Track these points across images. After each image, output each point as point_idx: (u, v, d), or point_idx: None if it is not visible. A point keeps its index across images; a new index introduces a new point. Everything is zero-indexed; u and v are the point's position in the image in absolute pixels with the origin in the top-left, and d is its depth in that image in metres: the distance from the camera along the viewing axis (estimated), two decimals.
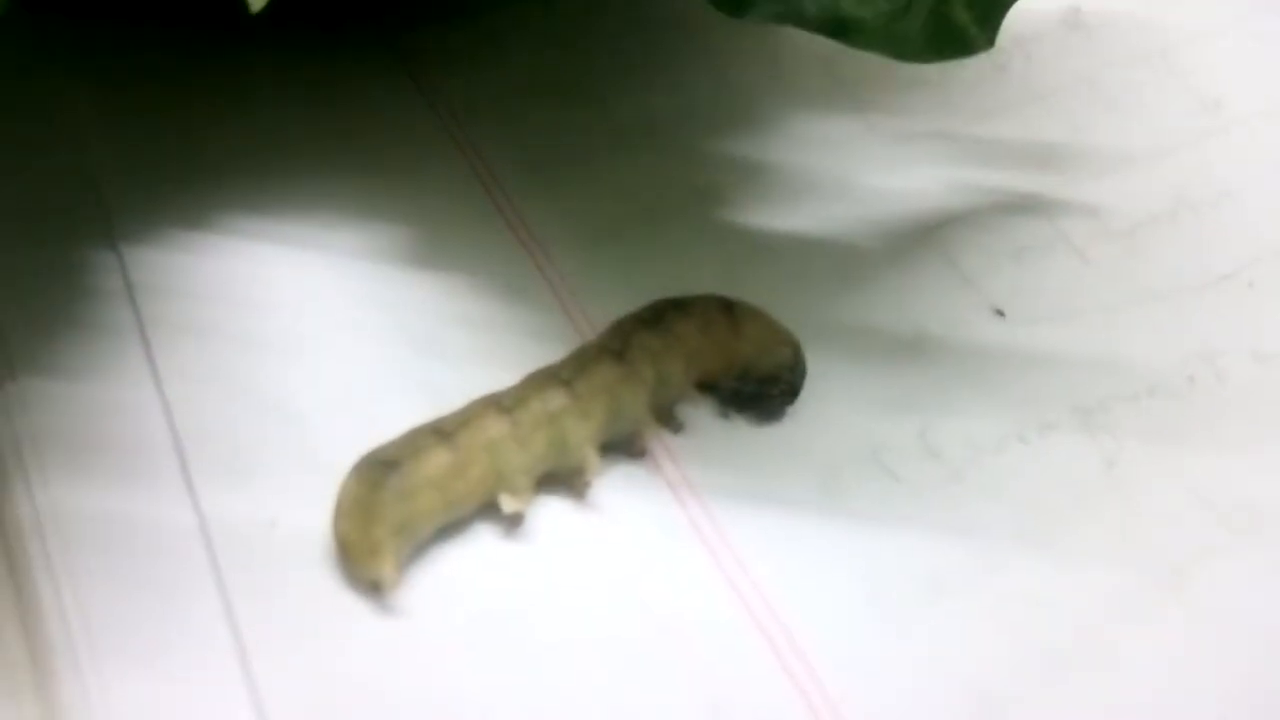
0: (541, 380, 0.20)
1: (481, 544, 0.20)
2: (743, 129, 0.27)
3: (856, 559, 0.20)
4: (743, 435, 0.22)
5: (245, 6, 0.22)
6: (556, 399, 0.20)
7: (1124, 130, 0.28)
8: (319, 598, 0.19)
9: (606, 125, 0.27)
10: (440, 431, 0.19)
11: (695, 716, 0.19)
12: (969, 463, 0.22)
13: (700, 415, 0.22)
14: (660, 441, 0.21)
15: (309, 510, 0.19)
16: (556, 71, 0.28)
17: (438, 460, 0.19)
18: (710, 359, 0.22)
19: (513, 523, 0.20)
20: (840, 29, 0.23)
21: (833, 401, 0.22)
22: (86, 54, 0.27)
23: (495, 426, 0.19)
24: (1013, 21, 0.29)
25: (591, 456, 0.20)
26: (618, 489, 0.21)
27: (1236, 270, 0.25)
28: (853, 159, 0.27)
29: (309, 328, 0.22)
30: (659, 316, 0.21)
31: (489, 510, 0.20)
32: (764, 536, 0.21)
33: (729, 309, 0.22)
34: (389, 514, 0.19)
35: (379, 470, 0.19)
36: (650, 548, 0.20)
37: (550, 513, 0.20)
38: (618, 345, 0.21)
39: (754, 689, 0.19)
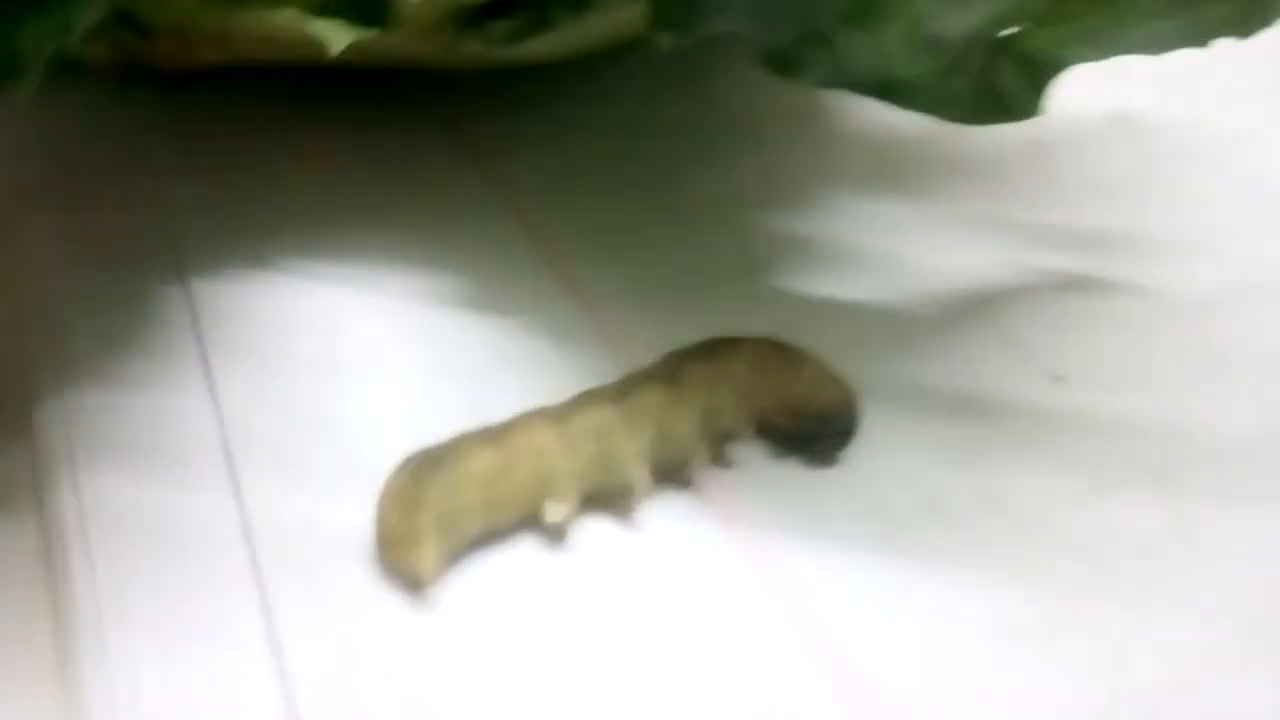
0: (591, 396, 0.20)
1: (524, 555, 0.19)
2: (793, 210, 0.28)
3: (923, 601, 0.19)
4: (797, 477, 0.21)
5: (325, 48, 0.23)
6: (605, 413, 0.20)
7: (1178, 220, 0.28)
8: (356, 595, 0.18)
9: (660, 206, 0.27)
10: (488, 435, 0.19)
11: None
12: (1034, 518, 0.21)
13: (753, 456, 0.21)
14: (711, 476, 0.21)
15: (352, 513, 0.19)
16: (612, 157, 0.29)
17: (484, 459, 0.19)
18: (762, 396, 0.21)
19: (556, 535, 0.19)
20: (889, 90, 0.23)
21: (888, 452, 0.22)
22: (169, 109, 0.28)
23: (543, 433, 0.19)
24: (1059, 119, 0.30)
25: (639, 473, 0.20)
26: (665, 515, 0.20)
27: None
28: (902, 238, 0.27)
29: (362, 356, 0.22)
30: (711, 350, 0.21)
31: (532, 525, 0.19)
32: (822, 572, 0.20)
33: (782, 349, 0.22)
34: (432, 505, 0.18)
35: (424, 464, 0.18)
36: (697, 573, 0.19)
37: (595, 532, 0.20)
38: (667, 372, 0.20)
39: (807, 715, 0.18)
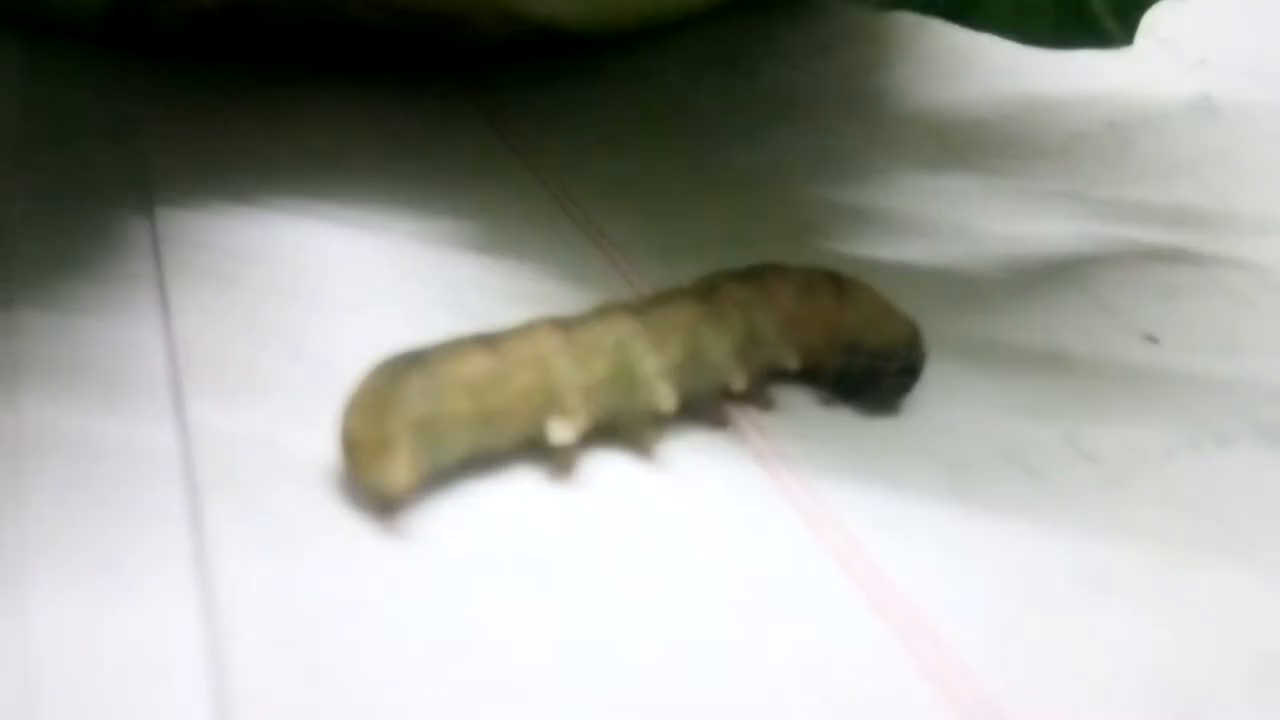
0: (610, 307, 0.17)
1: (522, 485, 0.16)
2: (845, 182, 0.25)
3: (999, 551, 0.16)
4: (851, 424, 0.18)
5: None
6: (625, 324, 0.16)
7: (1264, 199, 0.25)
8: (304, 522, 0.15)
9: (697, 174, 0.25)
10: (484, 339, 0.16)
11: (801, 691, 0.14)
12: (1133, 468, 0.18)
13: (800, 401, 0.18)
14: (750, 417, 0.18)
15: (311, 437, 0.16)
16: (647, 131, 0.26)
17: (476, 363, 0.15)
18: (811, 329, 0.18)
19: (562, 462, 0.16)
20: (965, 5, 0.21)
21: (957, 403, 0.19)
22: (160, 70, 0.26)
23: (549, 339, 0.16)
24: (1137, 101, 0.27)
25: (664, 396, 0.16)
26: (694, 452, 0.17)
27: None
28: (969, 209, 0.24)
29: (349, 290, 0.20)
30: (754, 273, 0.18)
31: (533, 451, 0.16)
32: (879, 519, 0.16)
33: (837, 278, 0.18)
34: (409, 409, 0.15)
35: (404, 364, 0.15)
36: (734, 521, 0.16)
37: (609, 466, 0.16)
38: (703, 289, 0.17)
39: (873, 668, 0.14)
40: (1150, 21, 0.22)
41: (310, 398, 0.16)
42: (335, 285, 0.19)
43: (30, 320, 0.18)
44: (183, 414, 0.16)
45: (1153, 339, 0.21)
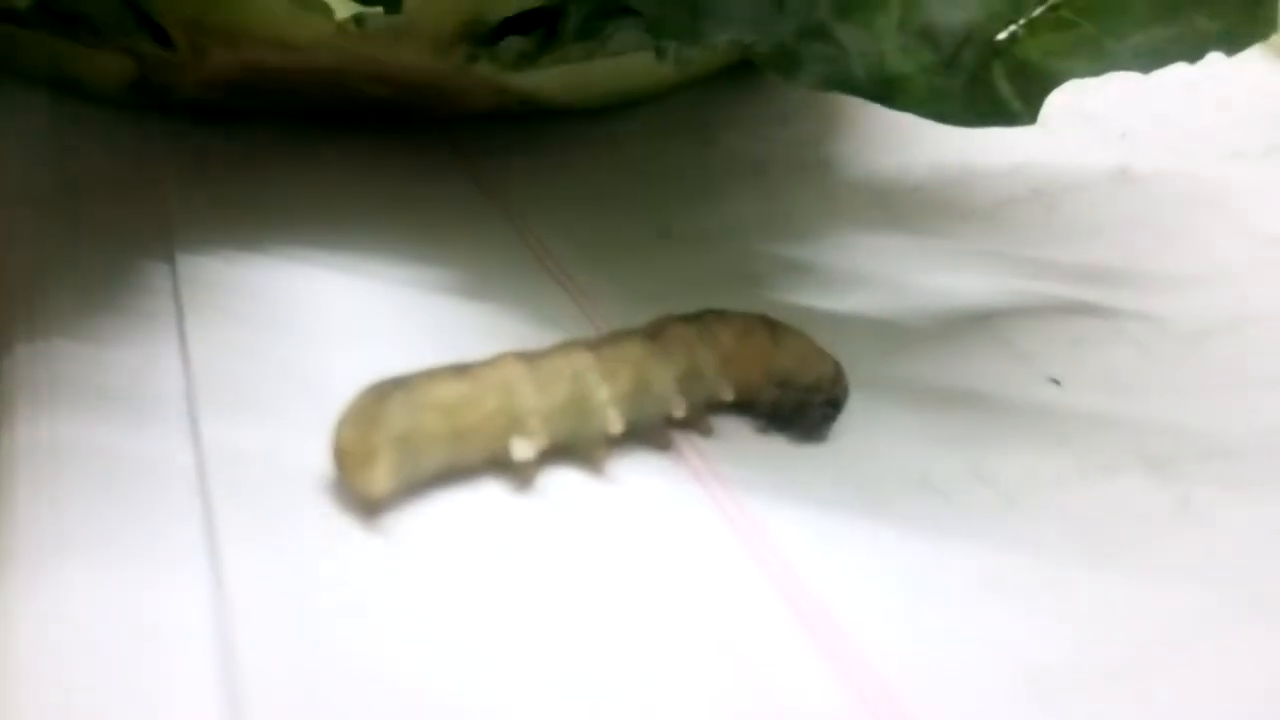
0: (568, 343, 0.19)
1: (488, 498, 0.18)
2: (792, 239, 0.27)
3: (903, 558, 0.19)
4: (781, 450, 0.21)
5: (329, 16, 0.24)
6: (581, 358, 0.19)
7: (1179, 259, 0.27)
8: (305, 524, 0.18)
9: (659, 230, 0.27)
10: (458, 368, 0.18)
11: (717, 681, 0.16)
12: (1026, 493, 0.20)
13: (737, 428, 0.21)
14: (691, 443, 0.20)
15: (311, 453, 0.18)
16: (615, 190, 0.29)
17: (451, 388, 0.18)
18: (747, 366, 0.21)
19: (523, 476, 0.19)
20: (886, 89, 0.23)
21: (877, 434, 0.21)
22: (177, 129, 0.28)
23: (514, 368, 0.19)
24: (1061, 170, 0.30)
25: (613, 421, 0.19)
26: (639, 470, 0.20)
27: None
28: (902, 265, 0.27)
29: (345, 326, 0.22)
30: (699, 316, 0.21)
31: (499, 469, 0.19)
32: (801, 531, 0.19)
33: (770, 322, 0.21)
34: (392, 424, 0.17)
35: (388, 386, 0.18)
36: (672, 530, 0.19)
37: (565, 480, 0.19)
38: (651, 329, 0.20)
39: (785, 663, 0.17)
40: (1074, 99, 0.25)
41: (308, 417, 0.19)
42: (333, 322, 0.22)
43: (63, 349, 0.21)
44: (197, 430, 0.19)
45: (1056, 381, 0.23)
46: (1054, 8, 0.23)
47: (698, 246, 0.27)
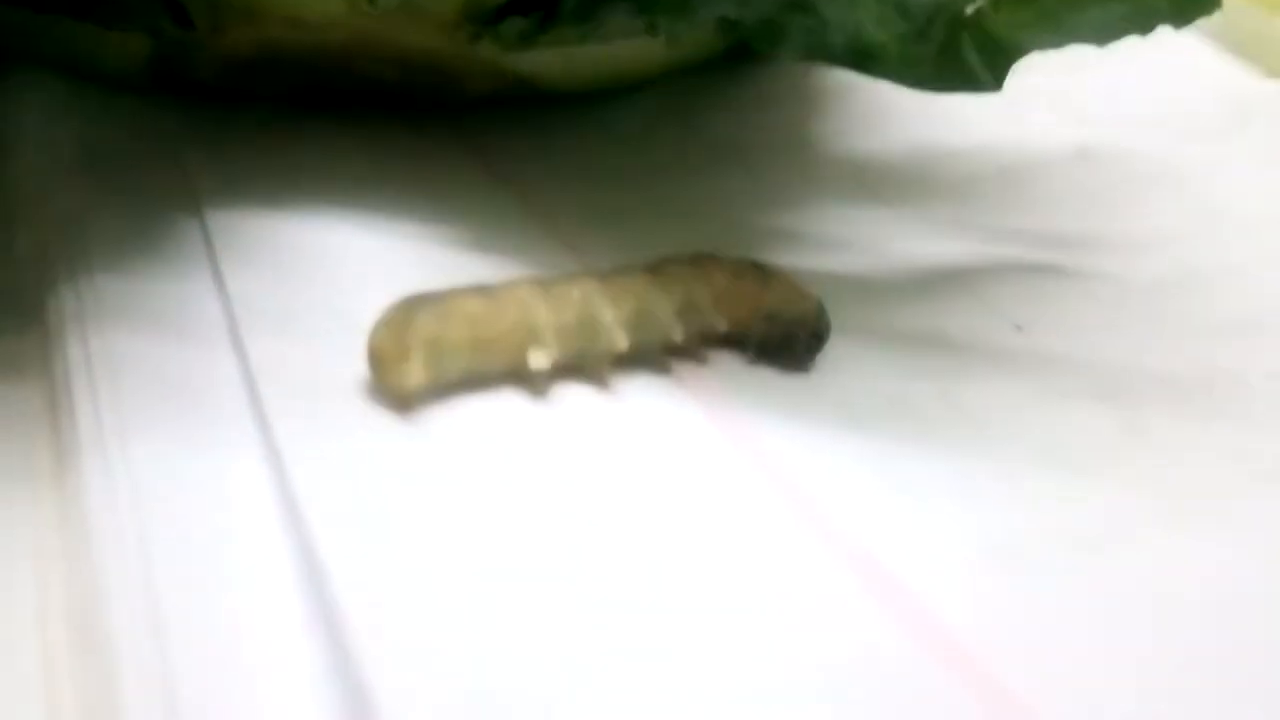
0: (578, 274, 0.21)
1: (508, 402, 0.20)
2: (775, 210, 0.30)
3: (882, 461, 0.21)
4: (771, 378, 0.23)
5: None
6: (589, 284, 0.21)
7: (1134, 227, 0.30)
8: (349, 416, 0.19)
9: (653, 201, 0.29)
10: (479, 288, 0.20)
11: (714, 559, 0.18)
12: (990, 415, 0.22)
13: (730, 360, 0.23)
14: (689, 370, 0.22)
15: (347, 362, 0.20)
16: (610, 165, 0.31)
17: (474, 302, 0.20)
18: (739, 303, 0.23)
19: (538, 386, 0.20)
20: (863, 58, 0.25)
21: (857, 366, 0.23)
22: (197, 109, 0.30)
23: (531, 290, 0.21)
24: (1025, 148, 0.32)
25: (620, 336, 0.21)
26: (642, 389, 0.22)
27: (1249, 320, 0.26)
28: (878, 233, 0.29)
29: (367, 268, 0.24)
30: (695, 258, 0.23)
31: (517, 379, 0.21)
32: (784, 438, 0.21)
33: (759, 265, 0.23)
34: (421, 328, 0.19)
35: (417, 299, 0.20)
36: (670, 435, 0.21)
37: (575, 393, 0.21)
38: (652, 265, 0.22)
39: (774, 540, 0.19)
40: (1039, 81, 0.27)
41: (339, 337, 0.21)
42: (354, 265, 0.24)
43: (107, 284, 0.22)
44: (241, 346, 0.21)
45: (1019, 327, 0.25)
46: None
47: (687, 216, 0.29)
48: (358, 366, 0.20)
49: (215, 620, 0.16)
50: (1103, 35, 0.26)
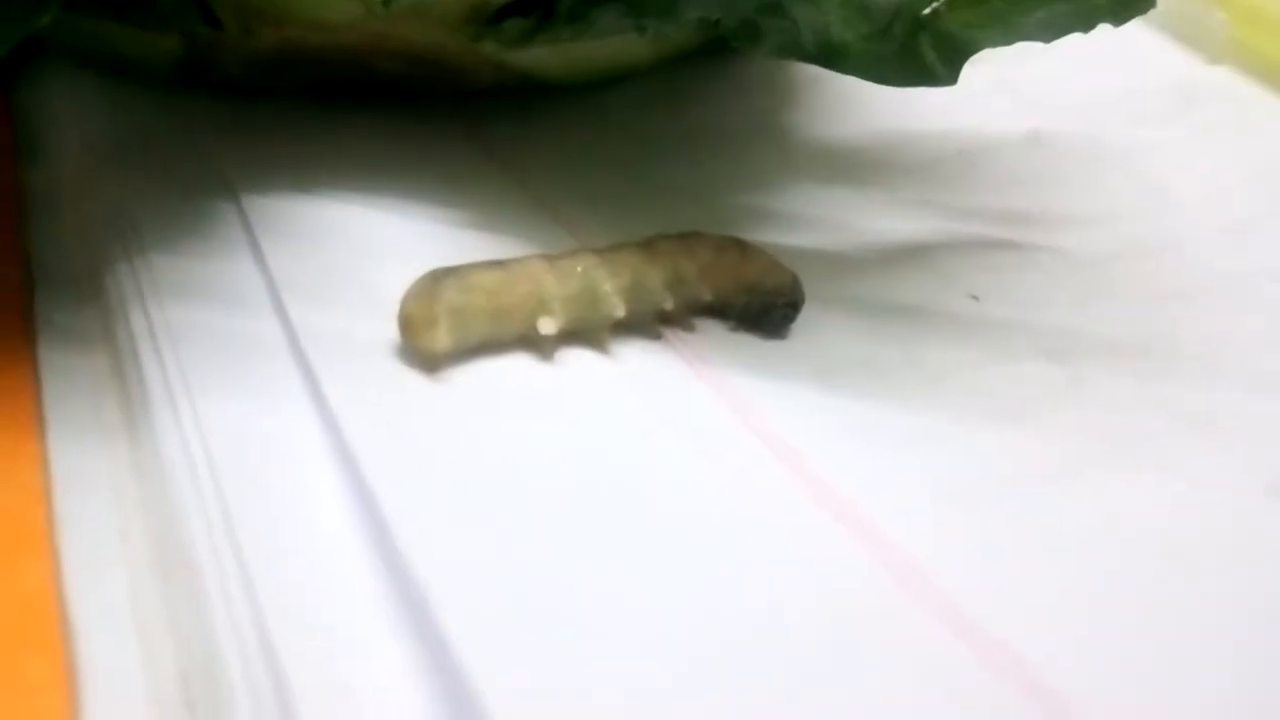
0: (581, 250, 0.24)
1: (520, 364, 0.23)
2: (753, 191, 0.32)
3: (851, 415, 0.24)
4: (749, 342, 0.25)
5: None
6: (590, 259, 0.24)
7: (1083, 205, 0.32)
8: (384, 368, 0.22)
9: (643, 184, 0.32)
10: (494, 262, 0.23)
11: (705, 500, 0.21)
12: (947, 373, 0.25)
13: (715, 328, 0.26)
14: (679, 337, 0.25)
15: (380, 328, 0.23)
16: (604, 150, 0.33)
17: (490, 275, 0.23)
18: (722, 275, 0.25)
19: (546, 350, 0.23)
20: (831, 55, 0.28)
21: (828, 332, 0.26)
22: (225, 103, 0.33)
23: (539, 264, 0.23)
24: (981, 134, 0.35)
25: (618, 303, 0.24)
26: (637, 352, 0.24)
27: (1188, 290, 0.29)
28: (847, 212, 0.31)
29: (391, 247, 0.26)
30: (683, 236, 0.26)
31: (527, 344, 0.23)
32: (763, 392, 0.24)
33: (740, 242, 0.26)
34: (446, 298, 0.22)
35: (441, 272, 0.23)
36: (664, 390, 0.24)
37: (578, 355, 0.24)
38: (644, 242, 0.25)
39: (759, 483, 0.22)
40: (994, 71, 0.30)
41: (366, 302, 0.24)
42: (380, 243, 0.27)
43: (159, 262, 0.25)
44: (284, 313, 0.23)
45: (975, 298, 0.28)
46: None
47: (674, 197, 0.32)
48: (386, 328, 0.23)
49: (286, 542, 0.19)
50: (1048, 32, 0.28)
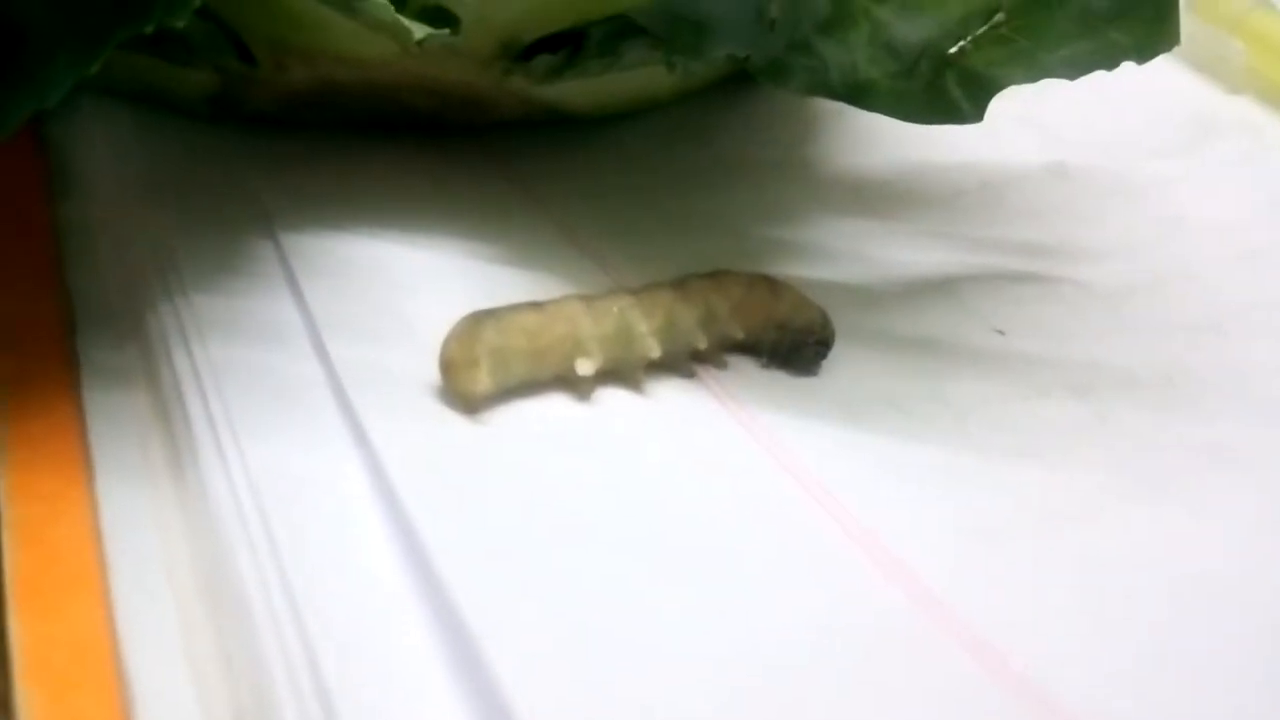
0: (616, 290, 0.25)
1: (557, 404, 0.24)
2: (778, 224, 0.33)
3: (878, 451, 0.24)
4: (780, 380, 0.26)
5: (406, 38, 0.28)
6: (625, 300, 0.25)
7: (1103, 237, 0.33)
8: (424, 408, 0.23)
9: (670, 218, 0.32)
10: (533, 304, 0.24)
11: (736, 532, 0.22)
12: (973, 409, 0.26)
13: (746, 365, 0.26)
14: (711, 375, 0.25)
15: (419, 366, 0.24)
16: (631, 185, 0.34)
17: (530, 316, 0.23)
18: (753, 312, 0.26)
19: (583, 390, 0.24)
20: (858, 93, 0.29)
21: (856, 369, 0.27)
22: (258, 136, 0.33)
23: (576, 305, 0.24)
24: (1005, 167, 0.36)
25: (652, 344, 0.24)
26: (671, 390, 0.25)
27: (1207, 320, 0.30)
28: (872, 244, 0.32)
29: (424, 282, 0.27)
30: (714, 274, 0.26)
31: (564, 385, 0.24)
32: (794, 430, 0.24)
33: (771, 279, 0.26)
34: (487, 339, 0.23)
35: (482, 314, 0.23)
36: (696, 428, 0.24)
37: (613, 394, 0.24)
38: (677, 282, 0.25)
39: (788, 515, 0.22)
40: (1018, 107, 0.31)
41: (409, 342, 0.24)
42: (414, 278, 0.27)
43: (199, 301, 0.26)
44: (323, 351, 0.24)
45: (1000, 332, 0.29)
46: (995, 26, 0.28)
47: (699, 229, 0.32)
48: (425, 365, 0.23)
49: (334, 582, 0.19)
50: (1073, 70, 0.29)
